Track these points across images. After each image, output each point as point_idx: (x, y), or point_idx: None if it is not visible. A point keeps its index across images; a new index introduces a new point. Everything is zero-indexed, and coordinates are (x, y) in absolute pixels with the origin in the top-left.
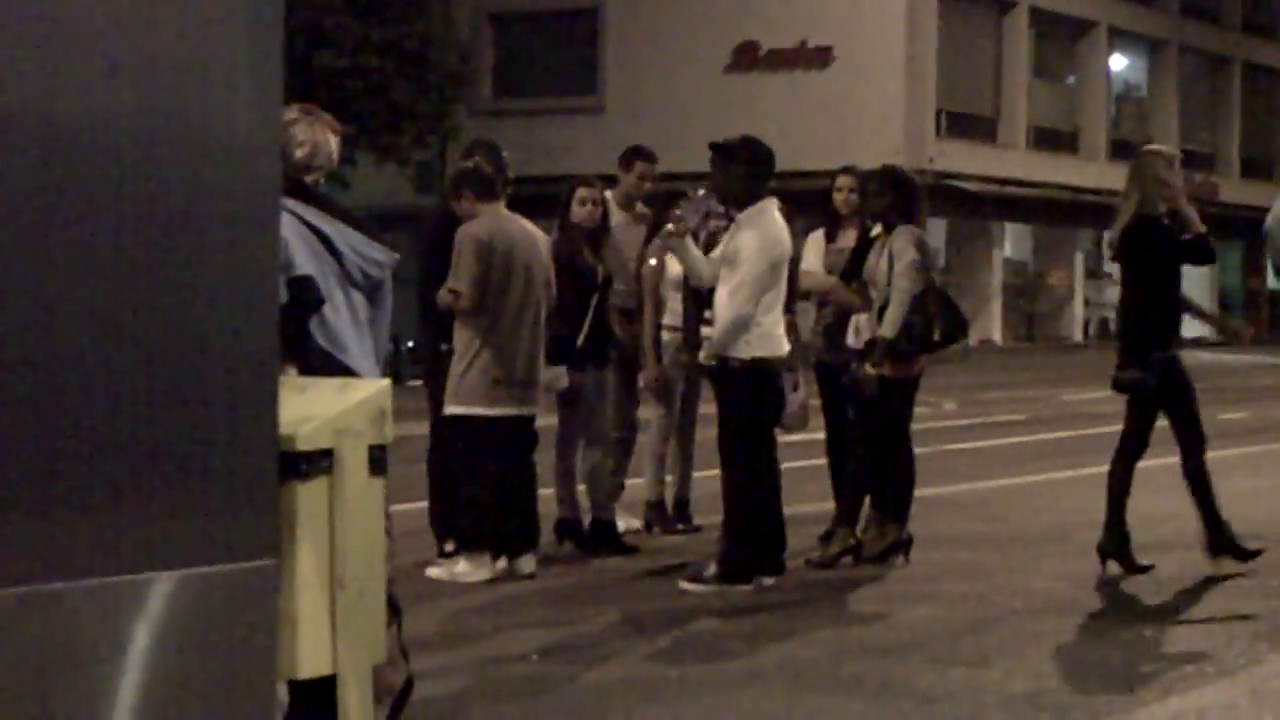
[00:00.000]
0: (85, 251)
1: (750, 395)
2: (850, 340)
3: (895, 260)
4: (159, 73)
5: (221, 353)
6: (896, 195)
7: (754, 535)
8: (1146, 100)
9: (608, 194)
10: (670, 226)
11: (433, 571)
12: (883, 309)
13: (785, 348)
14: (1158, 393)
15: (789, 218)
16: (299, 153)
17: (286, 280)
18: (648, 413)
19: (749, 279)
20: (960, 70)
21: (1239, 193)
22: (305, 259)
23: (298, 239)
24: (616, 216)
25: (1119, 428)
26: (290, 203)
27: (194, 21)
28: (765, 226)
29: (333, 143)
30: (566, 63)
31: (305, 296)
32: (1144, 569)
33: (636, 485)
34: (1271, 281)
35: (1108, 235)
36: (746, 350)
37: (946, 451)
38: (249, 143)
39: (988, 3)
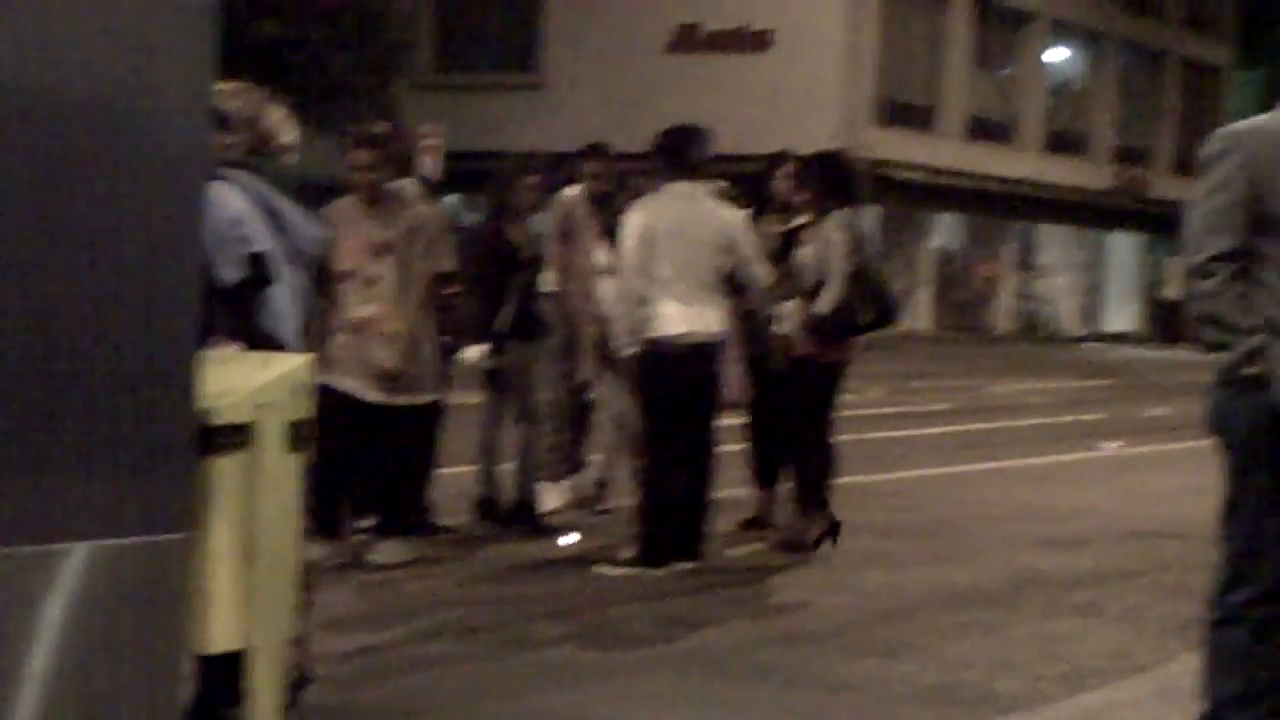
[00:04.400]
0: (7, 223)
1: (643, 377)
2: (775, 328)
3: (829, 243)
4: (87, 45)
5: (142, 325)
6: (831, 179)
7: (664, 519)
8: (1083, 93)
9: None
10: None
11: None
12: (812, 294)
13: (681, 328)
14: None
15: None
16: (288, 137)
17: (244, 256)
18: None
19: (621, 263)
20: (899, 58)
21: (1171, 188)
22: (261, 235)
23: (253, 215)
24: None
25: (1043, 420)
26: (245, 177)
27: None
28: (635, 208)
29: (288, 121)
30: (507, 38)
31: (260, 273)
32: None
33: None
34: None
35: None
36: (644, 332)
37: (871, 440)
38: (175, 116)
39: None
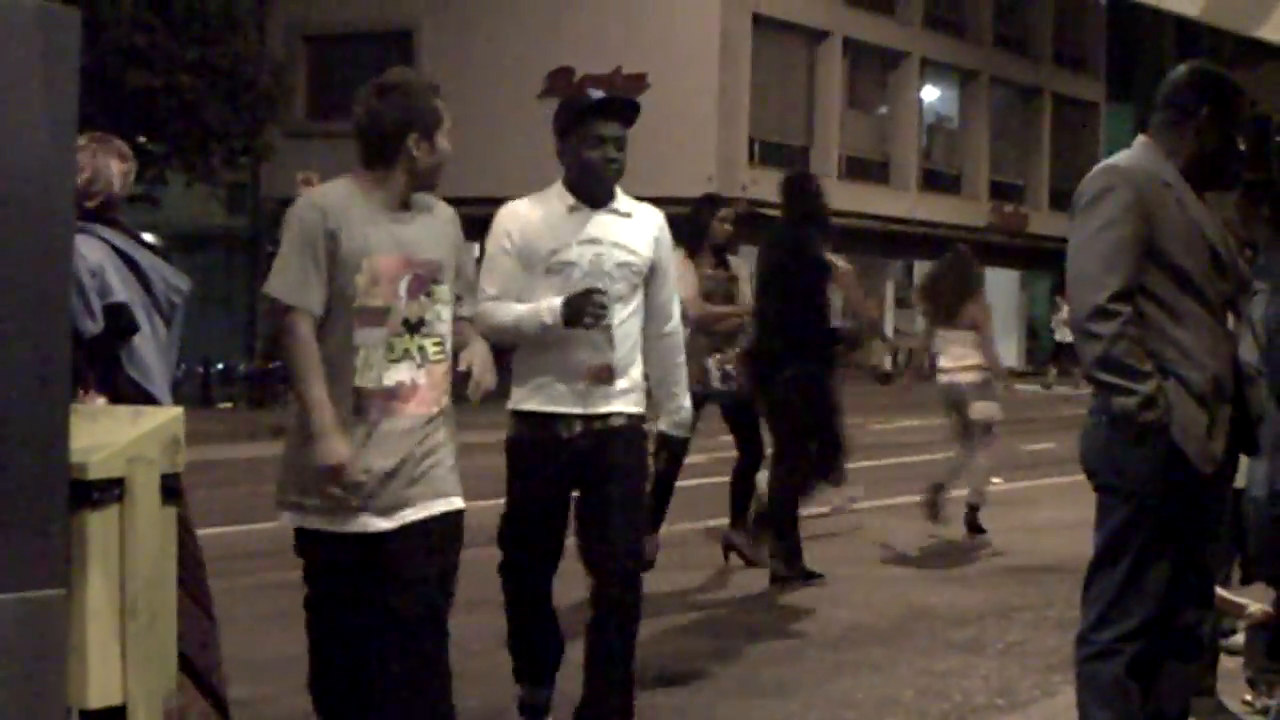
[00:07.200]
0: None
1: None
2: None
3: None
4: None
5: (11, 380)
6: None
7: None
8: (958, 131)
9: None
10: None
11: None
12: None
13: None
14: None
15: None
16: (78, 179)
17: (104, 307)
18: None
19: None
20: (773, 99)
21: (1048, 224)
22: (120, 286)
23: (112, 266)
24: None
25: (925, 457)
26: (101, 229)
27: None
28: None
29: (115, 168)
30: None
31: (121, 324)
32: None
33: None
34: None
35: None
36: None
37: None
38: (41, 170)
39: (801, 32)
